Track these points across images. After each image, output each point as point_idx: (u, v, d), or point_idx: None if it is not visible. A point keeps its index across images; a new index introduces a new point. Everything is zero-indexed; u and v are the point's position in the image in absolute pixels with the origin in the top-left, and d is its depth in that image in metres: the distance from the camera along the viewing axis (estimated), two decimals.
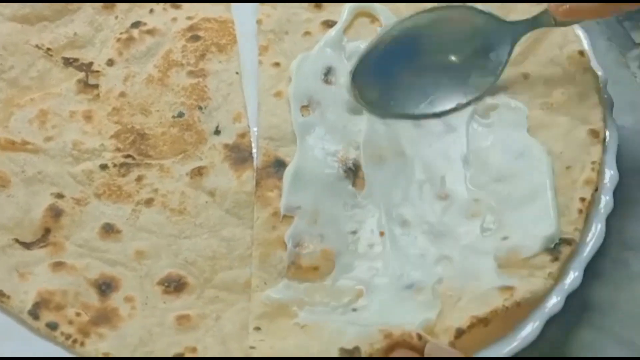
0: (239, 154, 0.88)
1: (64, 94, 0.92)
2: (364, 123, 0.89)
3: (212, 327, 0.77)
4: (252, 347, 0.73)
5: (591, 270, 0.79)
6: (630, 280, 0.82)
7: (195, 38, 0.97)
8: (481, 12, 0.88)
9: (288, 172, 0.84)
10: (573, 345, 0.79)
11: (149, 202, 0.85)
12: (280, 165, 0.86)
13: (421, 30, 0.90)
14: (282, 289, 0.78)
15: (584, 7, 0.83)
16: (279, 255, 0.80)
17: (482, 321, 0.72)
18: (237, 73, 0.95)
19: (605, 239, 0.79)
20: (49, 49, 0.94)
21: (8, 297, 0.76)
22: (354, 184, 0.85)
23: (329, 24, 0.97)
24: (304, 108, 0.90)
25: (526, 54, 0.91)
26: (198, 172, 0.86)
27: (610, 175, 0.83)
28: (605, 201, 0.81)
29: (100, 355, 0.74)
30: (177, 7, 1.00)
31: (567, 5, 0.83)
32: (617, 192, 0.82)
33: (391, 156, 0.86)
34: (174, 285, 0.79)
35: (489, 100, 0.89)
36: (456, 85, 0.90)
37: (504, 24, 0.88)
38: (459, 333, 0.72)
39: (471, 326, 0.72)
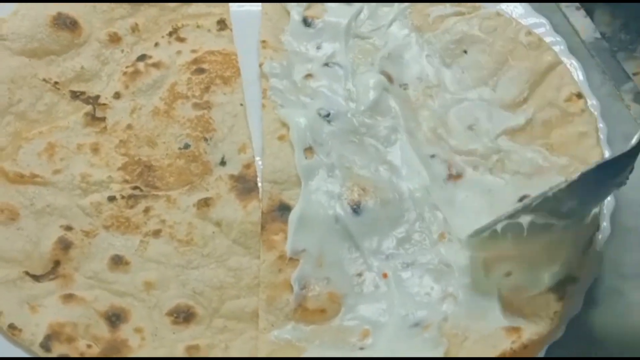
0: (244, 185, 0.90)
1: (71, 127, 0.94)
2: (368, 164, 0.90)
3: (221, 356, 0.78)
4: None
5: (589, 298, 0.80)
6: (628, 309, 0.83)
7: (200, 71, 0.98)
8: None
9: (293, 216, 0.86)
10: None
11: (156, 233, 0.86)
12: (284, 208, 0.87)
13: None
14: (290, 331, 0.79)
15: None
16: (286, 298, 0.81)
17: None
18: (241, 105, 0.97)
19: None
20: (56, 83, 0.96)
21: (20, 330, 0.77)
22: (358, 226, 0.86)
23: (329, 65, 0.98)
24: (308, 150, 0.91)
25: (525, 97, 0.93)
26: (205, 203, 0.88)
27: (607, 201, 0.84)
28: (603, 227, 0.82)
29: None
30: (182, 41, 1.01)
31: None
32: (613, 221, 0.83)
33: (395, 198, 0.88)
34: (183, 316, 0.81)
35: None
36: None
37: None
38: None
39: None
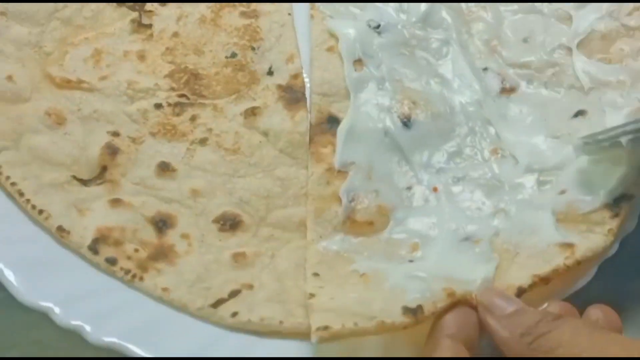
0: (292, 95, 0.88)
1: (117, 34, 0.92)
2: (419, 77, 0.88)
3: (268, 264, 0.78)
4: (311, 295, 0.73)
5: None
6: None
7: None
8: None
9: (342, 129, 0.84)
10: (624, 292, 0.79)
11: (203, 141, 0.85)
12: (333, 121, 0.86)
13: None
14: (338, 242, 0.78)
15: None
16: (334, 210, 0.80)
17: (543, 280, 0.72)
18: (289, 14, 0.95)
19: None
20: None
21: (68, 232, 0.77)
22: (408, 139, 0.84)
23: None
24: (357, 62, 0.89)
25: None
26: (252, 112, 0.87)
27: None
28: None
29: (159, 289, 0.74)
30: None
31: None
32: None
33: (446, 112, 0.86)
34: (230, 224, 0.80)
35: None
36: None
37: None
38: (520, 292, 0.72)
39: (533, 285, 0.72)
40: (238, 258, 0.78)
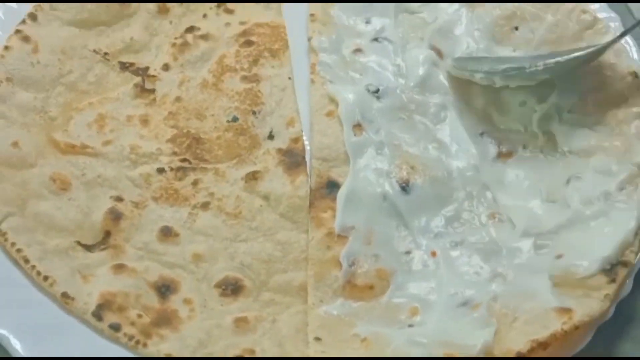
0: (292, 159, 0.90)
1: (121, 98, 0.94)
2: (417, 142, 0.90)
3: (269, 329, 0.79)
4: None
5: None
6: None
7: (249, 43, 0.99)
8: None
9: (341, 193, 0.86)
10: (621, 355, 0.81)
11: (205, 205, 0.87)
12: (333, 186, 0.87)
13: None
14: (339, 307, 0.80)
15: None
16: (334, 275, 0.81)
17: (541, 345, 0.74)
18: (289, 78, 0.97)
19: None
20: (106, 54, 0.97)
21: (72, 298, 0.78)
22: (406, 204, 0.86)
23: (378, 40, 0.98)
24: (356, 127, 0.91)
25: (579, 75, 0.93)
26: (253, 176, 0.89)
27: None
28: None
29: (162, 356, 0.75)
30: (230, 12, 1.02)
31: None
32: None
33: (443, 176, 0.88)
34: (231, 288, 0.82)
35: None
36: None
37: None
38: (519, 356, 0.73)
39: (531, 350, 0.73)
40: (240, 323, 0.79)
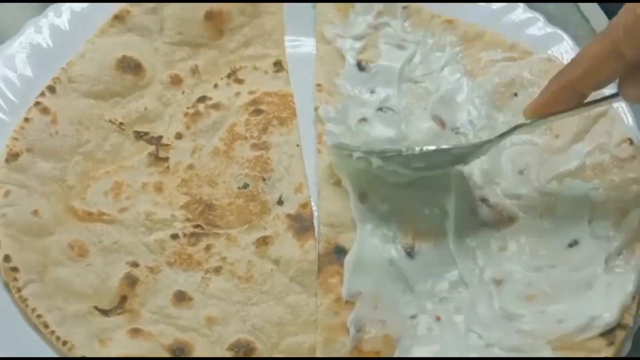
0: (301, 224, 0.93)
1: (136, 167, 0.98)
2: (422, 207, 0.94)
3: None
4: None
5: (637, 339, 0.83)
6: None
7: (258, 112, 1.03)
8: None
9: (349, 260, 0.89)
10: None
11: (217, 270, 0.90)
12: (341, 252, 0.90)
13: None
14: None
15: (544, 101, 0.87)
16: (342, 340, 0.84)
17: None
18: (297, 145, 1.01)
19: None
20: (121, 124, 1.01)
21: None
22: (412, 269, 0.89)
23: (383, 110, 1.02)
24: (362, 196, 0.94)
25: (576, 142, 0.97)
26: (263, 241, 0.92)
27: None
28: None
29: None
30: (240, 82, 1.06)
31: (531, 104, 0.88)
32: None
33: (447, 242, 0.91)
34: (244, 350, 0.85)
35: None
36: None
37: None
38: None
39: None
40: None
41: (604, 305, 0.82)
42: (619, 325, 0.81)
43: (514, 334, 0.83)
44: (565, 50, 1.05)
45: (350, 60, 1.06)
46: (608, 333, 0.81)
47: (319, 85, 1.05)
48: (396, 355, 0.83)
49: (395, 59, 1.06)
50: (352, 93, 1.04)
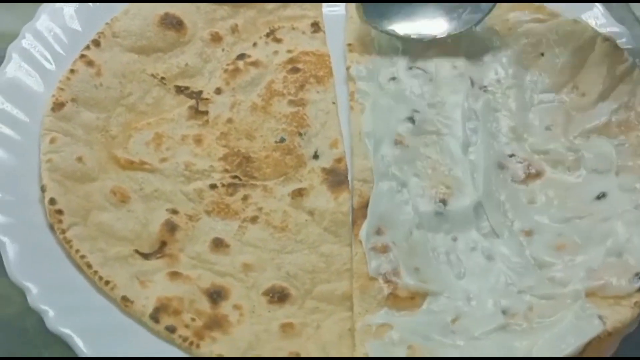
0: (335, 177, 0.96)
1: (176, 119, 1.01)
2: (453, 162, 0.97)
3: (313, 335, 0.84)
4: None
5: None
6: None
7: (295, 70, 1.05)
8: None
9: (374, 211, 0.92)
10: None
11: (254, 219, 0.93)
12: None
13: None
14: (383, 316, 0.84)
15: None
16: (378, 287, 0.86)
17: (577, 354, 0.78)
18: (333, 103, 1.03)
19: None
20: (163, 78, 1.04)
21: (132, 302, 0.84)
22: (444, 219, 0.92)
23: (412, 69, 1.05)
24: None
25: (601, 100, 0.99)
26: (299, 193, 0.95)
27: None
28: None
29: (214, 356, 0.81)
30: (278, 41, 1.09)
31: None
32: None
33: (476, 195, 0.93)
34: (278, 296, 0.87)
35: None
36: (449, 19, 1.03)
37: None
38: None
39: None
40: (286, 328, 0.84)
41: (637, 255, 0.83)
42: None
43: (545, 281, 0.85)
44: (595, 15, 1.07)
45: None
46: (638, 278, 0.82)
47: (350, 45, 1.08)
48: (429, 300, 0.85)
49: None
50: (383, 52, 1.07)
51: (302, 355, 0.82)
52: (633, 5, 1.06)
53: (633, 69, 1.00)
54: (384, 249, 0.88)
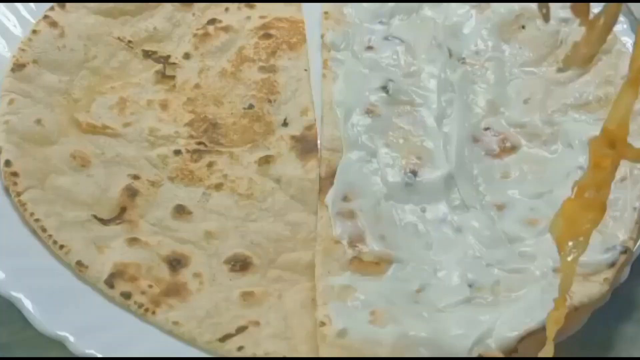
0: (305, 145, 0.93)
1: (142, 84, 0.98)
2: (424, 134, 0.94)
3: (275, 304, 0.81)
4: (322, 323, 0.76)
5: (637, 268, 0.82)
6: None
7: (267, 36, 1.03)
8: None
9: (341, 179, 0.89)
10: (616, 338, 0.82)
11: (218, 186, 0.90)
12: None
13: None
14: (346, 278, 0.81)
15: None
16: (342, 250, 0.83)
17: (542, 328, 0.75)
18: (305, 70, 1.01)
19: None
20: (130, 42, 1.01)
21: (86, 267, 0.81)
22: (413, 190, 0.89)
23: (389, 39, 1.03)
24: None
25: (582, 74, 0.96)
26: (266, 160, 0.92)
27: None
28: None
29: (170, 323, 0.78)
30: (251, 7, 1.06)
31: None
32: None
33: (448, 167, 0.90)
34: (240, 265, 0.84)
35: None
36: None
37: None
38: (520, 340, 0.74)
39: (531, 332, 0.75)
40: (247, 297, 0.81)
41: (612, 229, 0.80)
42: (622, 249, 0.80)
43: (515, 256, 0.82)
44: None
45: None
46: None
47: (326, 12, 1.05)
48: (394, 267, 0.82)
49: None
50: (360, 21, 1.04)
51: (262, 324, 0.78)
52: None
53: (615, 42, 0.97)
54: (351, 215, 0.85)
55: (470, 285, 0.80)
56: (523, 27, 1.02)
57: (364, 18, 1.05)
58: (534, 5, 0.97)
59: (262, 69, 1.00)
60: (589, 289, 0.78)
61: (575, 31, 0.99)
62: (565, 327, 0.73)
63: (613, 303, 0.79)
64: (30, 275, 0.80)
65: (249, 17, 1.05)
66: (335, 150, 0.92)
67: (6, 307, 0.78)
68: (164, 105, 0.96)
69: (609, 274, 0.79)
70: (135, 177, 0.90)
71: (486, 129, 0.94)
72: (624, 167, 0.84)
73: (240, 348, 0.77)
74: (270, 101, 0.97)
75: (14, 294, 0.78)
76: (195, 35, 1.03)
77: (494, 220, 0.86)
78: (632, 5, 1.07)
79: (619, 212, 0.82)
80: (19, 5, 1.01)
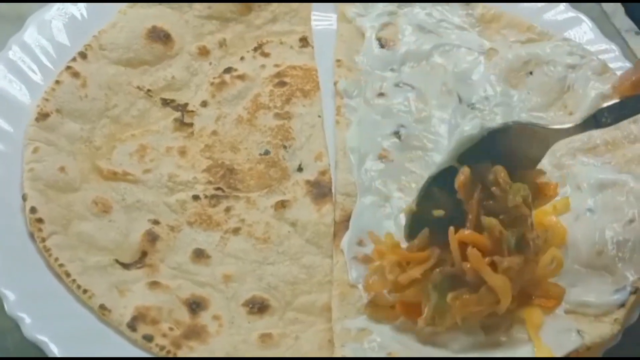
0: (319, 190, 0.96)
1: (161, 131, 1.01)
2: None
3: (292, 345, 0.83)
4: None
5: None
6: None
7: (282, 84, 1.06)
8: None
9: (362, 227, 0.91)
10: None
11: (236, 230, 0.92)
12: None
13: None
14: (363, 321, 0.83)
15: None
16: (357, 295, 0.85)
17: None
18: (319, 116, 1.03)
19: None
20: (149, 90, 1.04)
21: (109, 310, 0.83)
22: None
23: (400, 86, 1.05)
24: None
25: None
26: (282, 204, 0.94)
27: None
28: None
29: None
30: (266, 56, 1.09)
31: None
32: None
33: None
34: (258, 307, 0.86)
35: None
36: None
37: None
38: None
39: None
40: (265, 339, 0.84)
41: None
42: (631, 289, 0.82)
43: None
44: (584, 31, 1.07)
45: (371, 38, 1.09)
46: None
47: (338, 61, 1.08)
48: None
49: (415, 40, 1.09)
50: (371, 69, 1.07)
51: None
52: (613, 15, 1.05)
53: None
54: (366, 260, 0.87)
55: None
56: (531, 73, 1.04)
57: (375, 65, 1.07)
58: (541, 52, 1.01)
59: (277, 115, 1.03)
60: (600, 330, 0.80)
61: (582, 77, 1.01)
62: None
63: (624, 343, 0.80)
64: (55, 319, 0.82)
65: (263, 66, 1.08)
66: (350, 195, 0.95)
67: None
68: (182, 152, 0.99)
69: (620, 314, 0.81)
70: (155, 222, 0.92)
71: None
72: (632, 210, 0.86)
73: None
74: (285, 147, 0.99)
75: (40, 337, 0.80)
76: (212, 83, 1.06)
77: None
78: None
79: (628, 253, 0.84)
80: (38, 52, 1.04)
